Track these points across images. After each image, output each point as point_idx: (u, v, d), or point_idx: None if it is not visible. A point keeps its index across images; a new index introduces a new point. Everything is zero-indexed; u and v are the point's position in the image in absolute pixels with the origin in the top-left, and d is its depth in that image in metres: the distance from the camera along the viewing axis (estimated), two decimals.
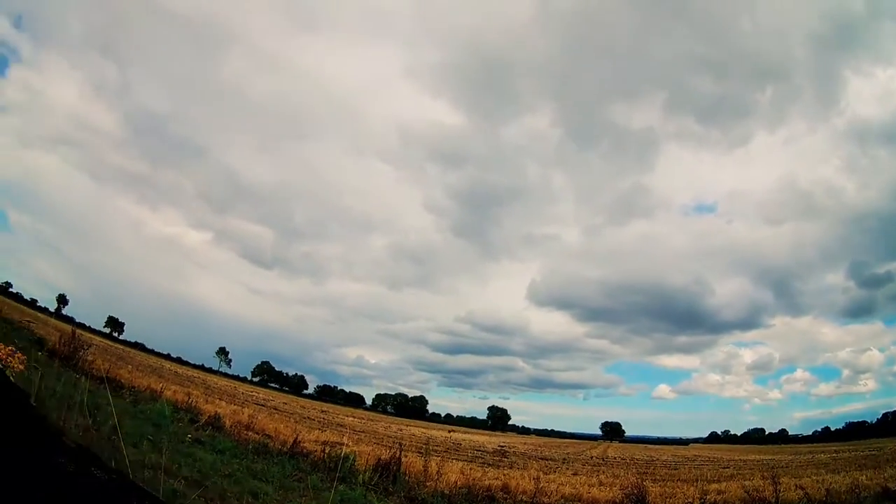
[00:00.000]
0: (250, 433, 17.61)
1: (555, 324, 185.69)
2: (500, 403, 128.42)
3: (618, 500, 16.26)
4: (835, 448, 58.54)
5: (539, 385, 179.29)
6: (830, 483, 20.68)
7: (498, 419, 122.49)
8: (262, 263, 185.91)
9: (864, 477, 22.45)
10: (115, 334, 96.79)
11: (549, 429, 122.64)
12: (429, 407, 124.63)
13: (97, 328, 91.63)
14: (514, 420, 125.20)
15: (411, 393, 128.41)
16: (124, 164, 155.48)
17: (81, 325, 76.26)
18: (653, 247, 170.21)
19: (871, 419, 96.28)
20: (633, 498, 15.11)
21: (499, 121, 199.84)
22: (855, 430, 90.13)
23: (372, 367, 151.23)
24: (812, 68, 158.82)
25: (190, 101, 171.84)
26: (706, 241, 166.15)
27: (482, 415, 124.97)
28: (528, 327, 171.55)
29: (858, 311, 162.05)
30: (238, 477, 9.12)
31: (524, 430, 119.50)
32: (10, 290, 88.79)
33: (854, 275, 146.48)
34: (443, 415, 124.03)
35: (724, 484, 23.35)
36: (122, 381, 20.02)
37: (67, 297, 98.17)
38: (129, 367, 32.00)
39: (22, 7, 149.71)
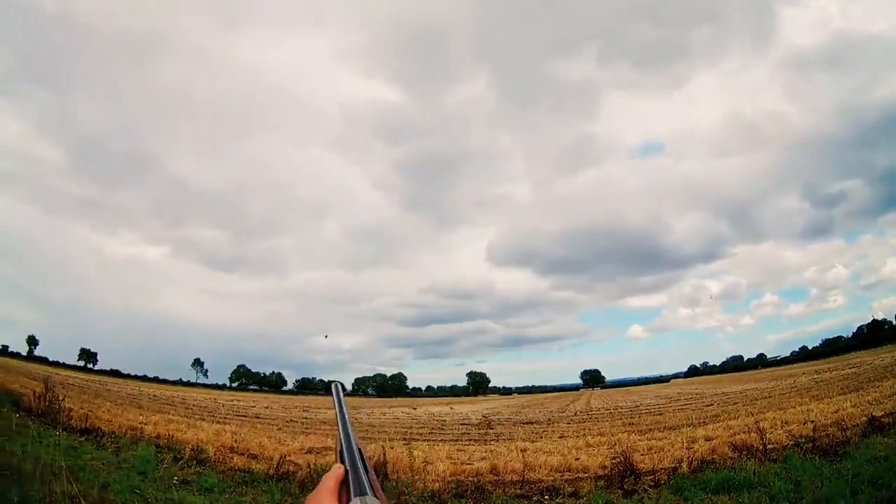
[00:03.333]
0: (235, 456, 17.60)
1: (518, 281, 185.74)
2: (477, 367, 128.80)
3: (607, 466, 16.39)
4: (815, 368, 59.88)
5: (512, 343, 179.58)
6: (815, 414, 21.20)
7: (478, 384, 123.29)
8: (222, 267, 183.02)
9: (847, 403, 23.02)
10: (90, 366, 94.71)
11: (531, 385, 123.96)
12: (408, 382, 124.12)
13: (71, 363, 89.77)
14: (495, 382, 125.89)
15: (389, 371, 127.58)
16: (75, 191, 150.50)
17: (55, 363, 75.03)
18: (605, 192, 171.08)
19: (847, 334, 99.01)
20: (620, 464, 15.25)
21: (437, 90, 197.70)
22: (832, 347, 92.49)
23: (346, 351, 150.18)
24: (744, 4, 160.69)
25: (133, 115, 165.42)
26: (657, 181, 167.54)
27: (462, 381, 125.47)
28: (492, 288, 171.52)
29: (817, 231, 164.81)
30: None
31: (506, 391, 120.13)
32: None
33: (808, 196, 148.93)
34: (423, 388, 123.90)
35: (711, 427, 23.75)
36: (102, 426, 19.69)
37: (37, 338, 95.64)
38: (108, 403, 31.32)
39: None
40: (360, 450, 1.44)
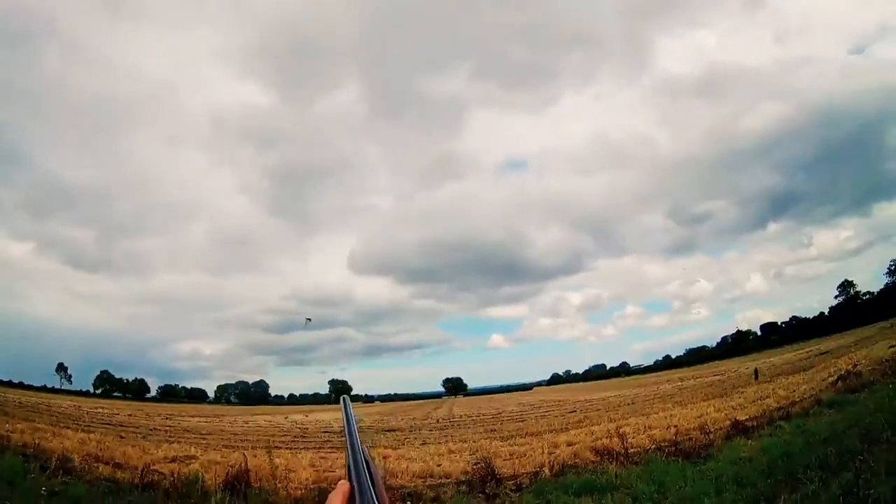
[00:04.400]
0: (101, 465, 17.29)
1: (379, 289, 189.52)
2: (339, 375, 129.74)
3: (469, 471, 16.19)
4: (679, 376, 62.60)
5: (374, 351, 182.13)
6: (678, 419, 21.73)
7: (340, 392, 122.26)
8: (85, 267, 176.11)
9: (711, 408, 23.85)
10: None
11: (393, 393, 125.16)
12: (271, 390, 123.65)
13: None
14: (357, 390, 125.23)
15: (251, 378, 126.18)
16: None
17: None
18: (467, 206, 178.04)
19: (711, 344, 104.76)
20: (482, 469, 15.02)
21: (308, 97, 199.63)
22: (696, 356, 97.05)
23: (208, 357, 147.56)
24: (623, 32, 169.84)
25: (6, 108, 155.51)
26: (520, 196, 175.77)
27: (324, 389, 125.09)
28: (353, 296, 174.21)
29: (681, 248, 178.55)
30: None
31: (368, 399, 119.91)
32: None
33: (673, 215, 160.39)
34: (286, 395, 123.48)
35: (573, 433, 24.08)
36: None
37: None
38: None
39: None
40: (367, 464, 1.36)
